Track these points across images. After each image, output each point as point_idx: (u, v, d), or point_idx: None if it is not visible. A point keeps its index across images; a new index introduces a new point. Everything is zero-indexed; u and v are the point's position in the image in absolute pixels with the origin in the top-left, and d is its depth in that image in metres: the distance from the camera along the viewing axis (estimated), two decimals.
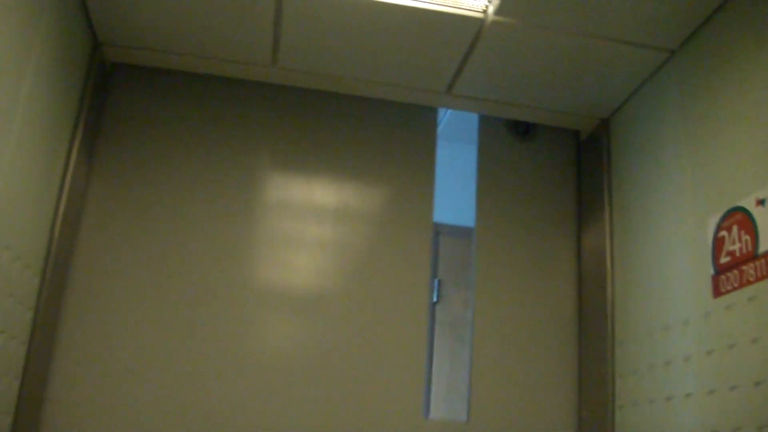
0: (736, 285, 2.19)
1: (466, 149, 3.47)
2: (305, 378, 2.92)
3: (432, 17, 2.64)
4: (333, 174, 3.20)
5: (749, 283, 2.12)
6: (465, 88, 3.10)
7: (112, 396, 2.77)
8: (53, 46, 2.46)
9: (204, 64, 3.08)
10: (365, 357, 2.99)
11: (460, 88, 3.10)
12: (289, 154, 3.18)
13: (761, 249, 2.10)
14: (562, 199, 3.37)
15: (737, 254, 2.20)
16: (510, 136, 3.42)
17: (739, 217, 2.21)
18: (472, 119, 3.44)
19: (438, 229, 3.43)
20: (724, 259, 2.26)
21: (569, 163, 3.43)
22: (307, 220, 3.13)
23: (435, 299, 3.44)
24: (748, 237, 2.16)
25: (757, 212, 2.14)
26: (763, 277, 2.07)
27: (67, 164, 2.76)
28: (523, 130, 3.40)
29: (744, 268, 2.15)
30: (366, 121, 3.28)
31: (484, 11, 2.62)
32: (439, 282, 3.47)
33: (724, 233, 2.28)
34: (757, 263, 2.10)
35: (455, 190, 3.52)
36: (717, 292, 2.28)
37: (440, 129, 3.40)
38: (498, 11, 2.57)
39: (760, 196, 2.13)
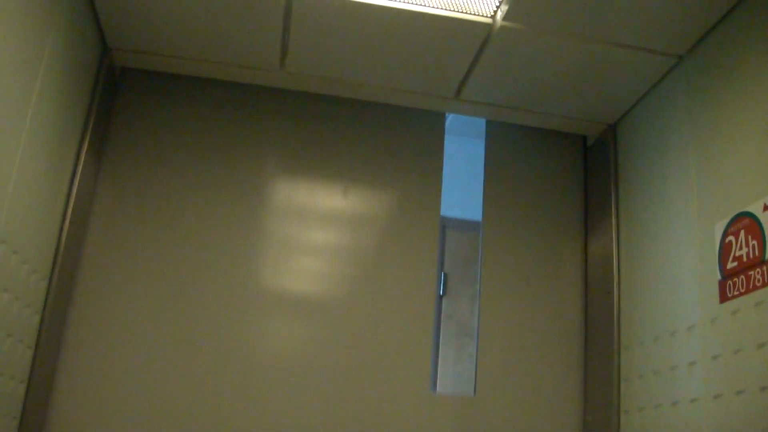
0: (742, 290, 2.18)
1: (474, 143, 3.47)
2: (312, 378, 2.93)
3: (440, 22, 2.64)
4: (340, 178, 3.20)
5: (756, 288, 2.12)
6: (473, 93, 3.10)
7: (117, 400, 2.78)
8: (63, 50, 2.47)
9: (212, 68, 3.09)
10: (372, 354, 3.00)
11: (468, 93, 3.11)
12: (297, 159, 3.19)
13: None
14: (569, 204, 3.36)
15: (744, 259, 2.19)
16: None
17: (747, 223, 2.21)
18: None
19: (444, 223, 3.43)
20: (731, 265, 2.26)
21: (576, 168, 3.43)
22: (314, 224, 3.14)
23: (441, 293, 3.43)
24: (755, 242, 2.16)
25: (764, 217, 2.14)
26: None
27: (75, 168, 2.77)
28: None
29: (751, 273, 2.15)
30: (374, 126, 3.29)
31: (493, 17, 2.62)
32: (446, 275, 3.46)
33: (731, 238, 2.28)
34: (764, 268, 2.10)
35: (462, 186, 3.51)
36: (723, 298, 2.28)
37: (448, 123, 3.39)
38: (506, 17, 2.57)
39: None
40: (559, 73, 2.90)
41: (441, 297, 3.40)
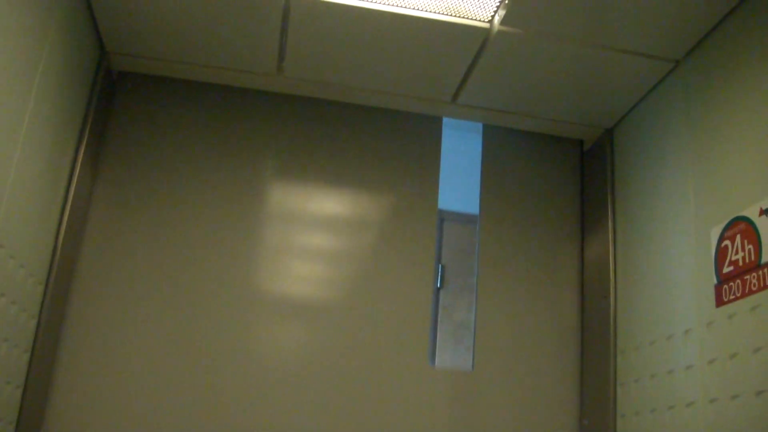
0: (738, 294, 2.18)
1: (473, 137, 3.47)
2: (311, 376, 2.93)
3: (438, 27, 2.65)
4: (338, 182, 3.20)
5: (752, 292, 2.12)
6: (470, 97, 3.11)
7: (115, 405, 2.77)
8: (61, 54, 2.47)
9: (210, 73, 3.10)
10: (372, 350, 3.01)
11: (466, 98, 3.11)
12: (294, 163, 3.19)
13: (764, 259, 2.10)
14: (566, 208, 3.37)
15: (740, 264, 2.20)
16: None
17: (743, 227, 2.21)
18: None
19: (443, 216, 3.43)
20: (727, 269, 2.26)
21: (573, 172, 3.43)
22: (312, 227, 3.15)
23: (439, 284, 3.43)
24: (751, 246, 2.16)
25: (760, 222, 2.14)
26: (765, 287, 2.07)
27: (72, 172, 2.77)
28: None
29: (747, 277, 2.15)
30: (371, 131, 3.29)
31: (490, 21, 2.63)
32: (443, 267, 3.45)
33: (727, 243, 2.28)
34: (760, 273, 2.10)
35: (460, 180, 3.50)
36: (719, 302, 2.28)
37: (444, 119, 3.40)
38: (504, 21, 2.58)
39: (764, 205, 2.13)
40: (556, 78, 2.91)
41: (438, 289, 3.38)
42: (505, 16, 2.55)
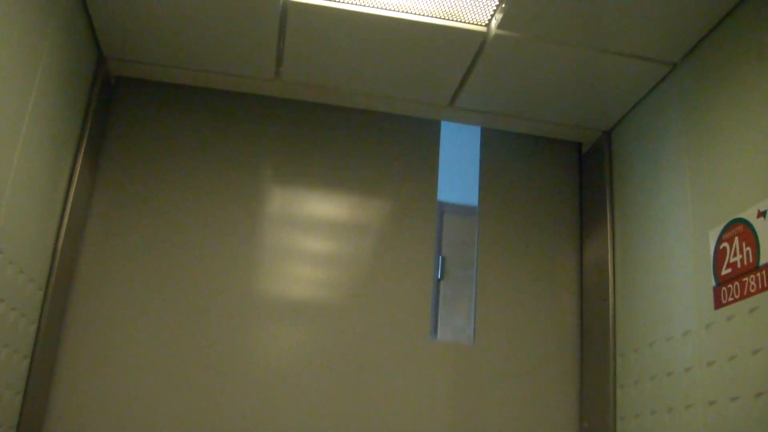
0: (737, 296, 2.19)
1: (472, 129, 3.47)
2: (311, 379, 2.94)
3: (435, 31, 2.65)
4: (336, 186, 3.21)
5: (750, 294, 2.13)
6: (468, 101, 3.11)
7: (115, 410, 2.77)
8: (59, 60, 2.48)
9: (208, 77, 3.10)
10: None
11: (463, 102, 3.12)
12: (292, 166, 3.19)
13: (762, 260, 2.10)
14: (564, 211, 3.37)
15: (738, 266, 2.20)
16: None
17: (741, 229, 2.22)
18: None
19: (443, 208, 3.42)
20: (725, 271, 2.27)
21: (571, 175, 3.44)
22: (310, 231, 3.15)
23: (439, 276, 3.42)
24: (749, 248, 2.17)
25: (758, 224, 2.14)
26: (764, 289, 2.08)
27: (71, 178, 2.77)
28: None
29: (745, 279, 2.16)
30: (369, 135, 3.29)
31: (487, 25, 2.63)
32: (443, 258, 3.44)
33: (725, 245, 2.28)
34: (758, 275, 2.10)
35: (459, 172, 3.51)
36: (718, 304, 2.28)
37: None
38: (501, 25, 2.58)
39: (762, 207, 2.14)
40: (553, 81, 2.91)
41: (439, 280, 3.37)
42: (502, 19, 2.55)
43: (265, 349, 2.96)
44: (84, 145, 2.83)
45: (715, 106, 2.47)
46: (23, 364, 2.49)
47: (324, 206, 3.19)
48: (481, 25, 2.64)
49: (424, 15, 2.61)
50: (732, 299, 2.21)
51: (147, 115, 3.14)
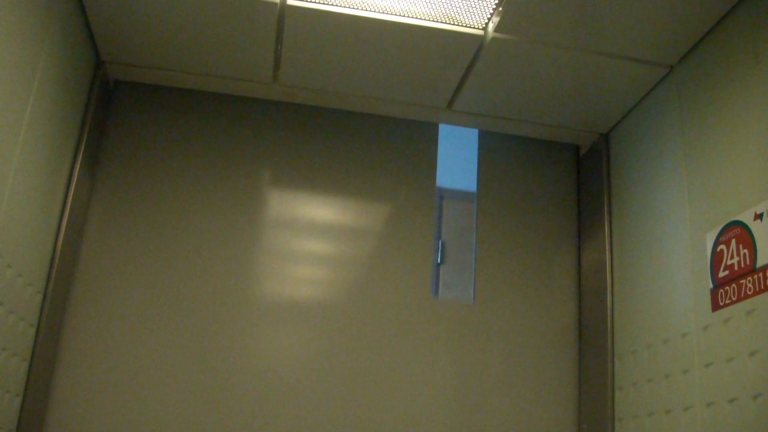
0: (734, 298, 2.19)
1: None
2: (311, 382, 2.94)
3: (432, 34, 2.66)
4: (334, 189, 3.21)
5: (747, 296, 2.13)
6: (465, 104, 3.12)
7: (114, 412, 2.78)
8: (57, 64, 2.48)
9: (206, 81, 3.11)
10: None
11: (461, 104, 3.12)
12: (291, 170, 3.20)
13: (759, 263, 2.11)
14: (562, 213, 3.38)
15: (736, 268, 2.21)
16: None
17: (738, 231, 2.22)
18: None
19: (442, 194, 3.42)
20: (722, 273, 2.27)
21: (569, 177, 3.44)
22: (309, 233, 3.15)
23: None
24: (746, 251, 2.17)
25: (755, 226, 2.15)
26: (761, 291, 2.08)
27: (69, 182, 2.78)
28: None
29: (742, 281, 2.16)
30: (367, 138, 3.30)
31: (484, 28, 2.64)
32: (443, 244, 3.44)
33: (722, 247, 2.29)
34: (755, 277, 2.11)
35: (459, 160, 3.52)
36: (716, 306, 2.29)
37: None
38: (498, 28, 2.59)
39: (759, 210, 2.14)
40: (551, 84, 2.92)
41: (439, 265, 3.37)
42: (499, 23, 2.56)
43: (265, 352, 2.96)
44: (82, 148, 2.83)
45: (713, 108, 2.48)
46: (22, 367, 2.49)
47: (321, 209, 3.19)
48: (478, 28, 2.64)
49: (421, 18, 2.61)
50: (729, 301, 2.22)
51: (145, 118, 3.15)
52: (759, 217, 2.13)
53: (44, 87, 2.38)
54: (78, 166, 2.80)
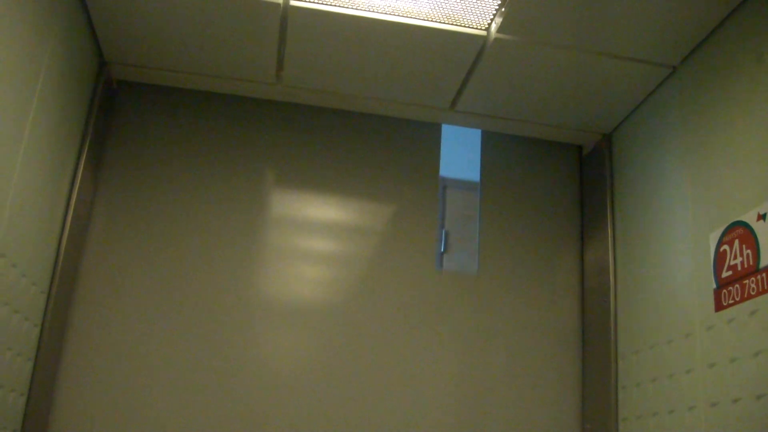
0: (737, 299, 2.19)
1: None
2: (316, 381, 2.95)
3: (435, 35, 2.66)
4: (337, 189, 3.22)
5: (751, 297, 2.13)
6: (468, 104, 3.12)
7: (118, 411, 2.78)
8: (61, 64, 2.48)
9: (209, 81, 3.11)
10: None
11: (464, 105, 3.12)
12: (294, 170, 3.20)
13: (763, 263, 2.11)
14: (565, 214, 3.38)
15: (739, 268, 2.21)
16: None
17: (741, 232, 2.23)
18: None
19: (445, 183, 3.42)
20: (725, 274, 2.27)
21: (572, 177, 3.44)
22: (312, 233, 3.16)
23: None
24: (749, 251, 2.17)
25: (758, 227, 2.15)
26: (764, 291, 2.08)
27: (73, 181, 2.78)
28: None
29: (745, 282, 2.16)
30: (370, 138, 3.30)
31: (487, 29, 2.64)
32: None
33: (725, 247, 2.29)
34: (759, 277, 2.11)
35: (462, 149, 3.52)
36: (719, 306, 2.29)
37: None
38: (500, 29, 2.59)
39: (762, 210, 2.14)
40: (553, 84, 2.92)
41: (443, 253, 3.36)
42: (502, 23, 2.56)
43: (270, 350, 2.97)
44: (86, 148, 2.84)
45: (715, 109, 2.48)
46: (27, 366, 2.50)
47: (325, 209, 3.19)
48: (480, 28, 2.64)
49: (423, 19, 2.61)
50: (732, 301, 2.22)
51: (148, 118, 3.15)
52: (762, 217, 2.14)
53: (48, 87, 2.39)
54: (81, 166, 2.81)
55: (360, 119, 3.31)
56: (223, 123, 3.20)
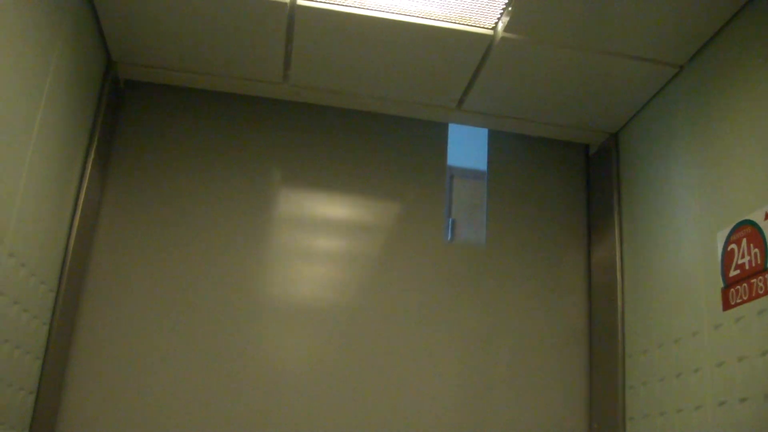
0: (745, 298, 2.19)
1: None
2: (322, 380, 2.95)
3: (442, 34, 2.66)
4: (344, 188, 3.22)
5: (758, 296, 2.13)
6: (475, 103, 3.12)
7: (126, 409, 2.79)
8: (68, 64, 2.49)
9: (216, 81, 3.12)
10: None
11: (471, 104, 3.12)
12: (301, 169, 3.21)
13: None
14: (572, 213, 3.38)
15: (746, 267, 2.21)
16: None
17: (749, 231, 2.22)
18: None
19: (452, 173, 3.41)
20: (733, 273, 2.27)
21: (578, 177, 3.44)
22: (320, 232, 3.16)
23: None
24: (757, 250, 2.17)
25: (765, 226, 2.15)
26: None
27: (81, 181, 2.79)
28: None
29: (753, 281, 2.16)
30: (377, 137, 3.31)
31: (494, 28, 2.64)
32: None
33: (733, 246, 2.29)
34: (766, 276, 2.11)
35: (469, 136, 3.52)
36: (726, 305, 2.29)
37: None
38: (507, 28, 2.59)
39: None
40: (560, 84, 2.92)
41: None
42: (509, 22, 2.56)
43: (277, 351, 2.97)
44: (94, 148, 2.84)
45: (722, 107, 2.48)
46: (35, 364, 2.51)
47: (332, 208, 3.20)
48: (487, 28, 2.65)
49: (430, 18, 2.62)
50: (740, 300, 2.22)
51: (156, 118, 3.16)
52: None
53: (56, 87, 2.39)
54: (89, 165, 2.81)
55: (367, 118, 3.31)
56: (230, 122, 3.21)
